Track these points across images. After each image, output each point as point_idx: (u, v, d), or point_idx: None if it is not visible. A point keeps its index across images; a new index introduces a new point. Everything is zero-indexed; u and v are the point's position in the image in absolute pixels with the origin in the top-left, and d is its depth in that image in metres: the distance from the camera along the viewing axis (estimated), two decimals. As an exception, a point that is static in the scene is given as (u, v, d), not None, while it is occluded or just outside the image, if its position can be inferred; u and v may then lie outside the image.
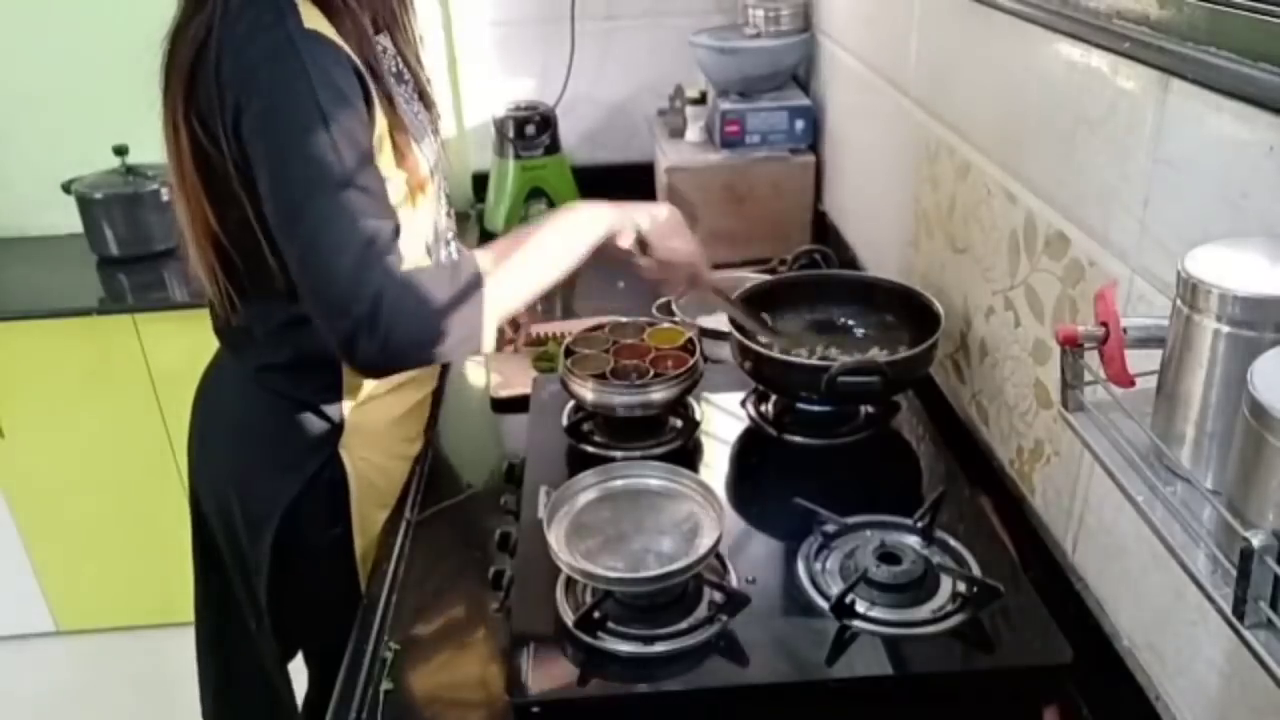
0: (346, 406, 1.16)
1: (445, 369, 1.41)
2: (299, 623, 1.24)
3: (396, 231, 0.97)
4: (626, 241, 1.12)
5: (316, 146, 0.92)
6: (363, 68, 0.99)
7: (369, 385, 1.17)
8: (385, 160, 1.02)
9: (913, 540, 0.96)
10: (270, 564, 1.16)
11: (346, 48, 0.98)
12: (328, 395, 1.15)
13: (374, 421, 1.19)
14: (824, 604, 0.89)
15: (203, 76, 0.96)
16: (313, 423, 1.15)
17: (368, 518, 1.19)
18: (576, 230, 1.09)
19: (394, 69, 1.12)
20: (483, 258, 1.02)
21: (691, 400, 1.23)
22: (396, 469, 1.23)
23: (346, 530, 1.18)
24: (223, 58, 0.94)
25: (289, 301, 1.04)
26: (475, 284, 0.99)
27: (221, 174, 0.99)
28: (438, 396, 1.36)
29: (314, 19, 0.96)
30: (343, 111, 0.94)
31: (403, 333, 0.93)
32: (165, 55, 1.01)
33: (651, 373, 1.18)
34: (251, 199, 0.99)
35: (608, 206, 1.12)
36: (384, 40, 1.12)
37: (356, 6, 1.01)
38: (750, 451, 1.19)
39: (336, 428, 1.15)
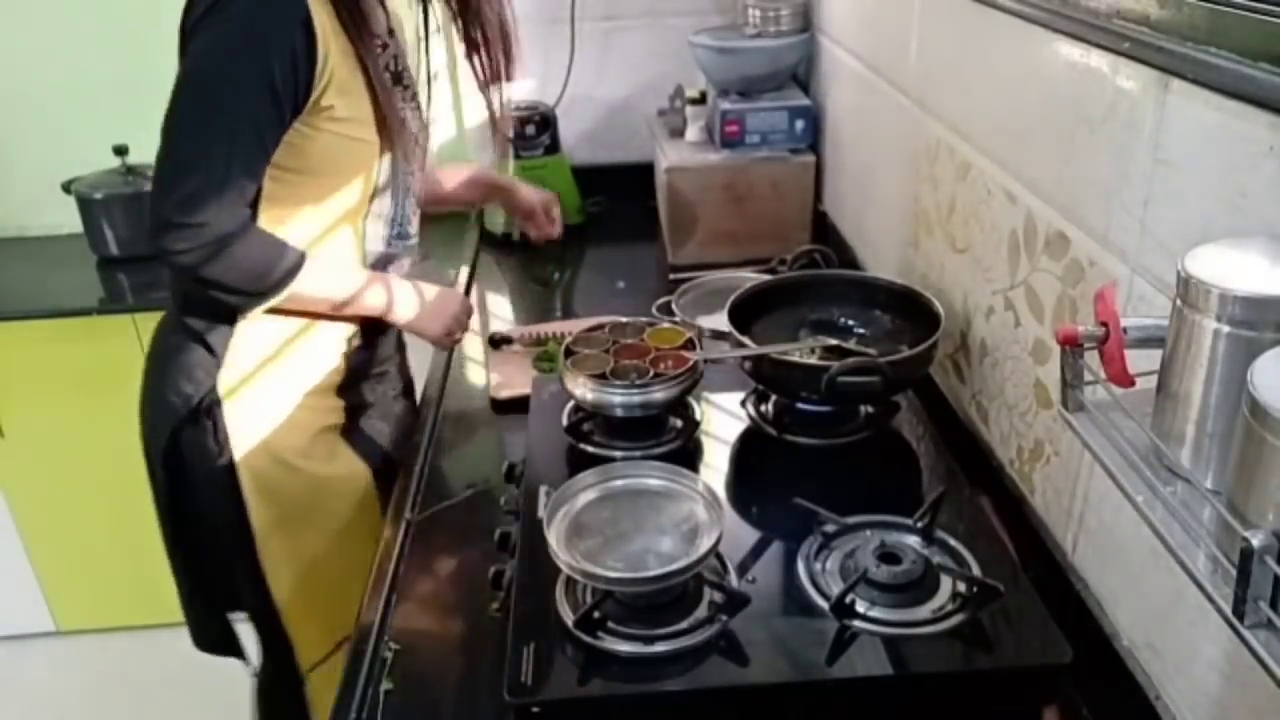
0: (229, 341, 1.22)
1: (401, 352, 1.50)
2: (193, 549, 1.33)
3: (252, 177, 1.10)
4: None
5: (213, 79, 1.06)
6: (322, 29, 1.07)
7: (255, 335, 1.23)
8: (351, 106, 1.14)
9: (913, 540, 0.96)
10: (166, 485, 1.26)
11: (314, 7, 1.06)
12: (216, 333, 1.22)
13: (256, 366, 1.24)
14: (824, 604, 0.89)
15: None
16: (195, 351, 1.23)
17: (252, 457, 1.24)
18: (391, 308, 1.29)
19: (390, 66, 1.22)
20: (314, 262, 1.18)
21: (691, 400, 1.23)
22: (295, 419, 1.27)
23: (228, 466, 1.23)
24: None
25: None
26: (292, 261, 1.16)
27: None
28: (409, 390, 1.48)
29: None
30: (262, 60, 1.05)
31: (192, 249, 1.09)
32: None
33: (651, 373, 1.18)
34: None
35: (418, 314, 1.32)
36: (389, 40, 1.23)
37: None
38: (750, 451, 1.19)
39: (213, 362, 1.22)
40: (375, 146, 1.19)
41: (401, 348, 1.49)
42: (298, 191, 1.18)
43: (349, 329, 1.31)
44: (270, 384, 1.25)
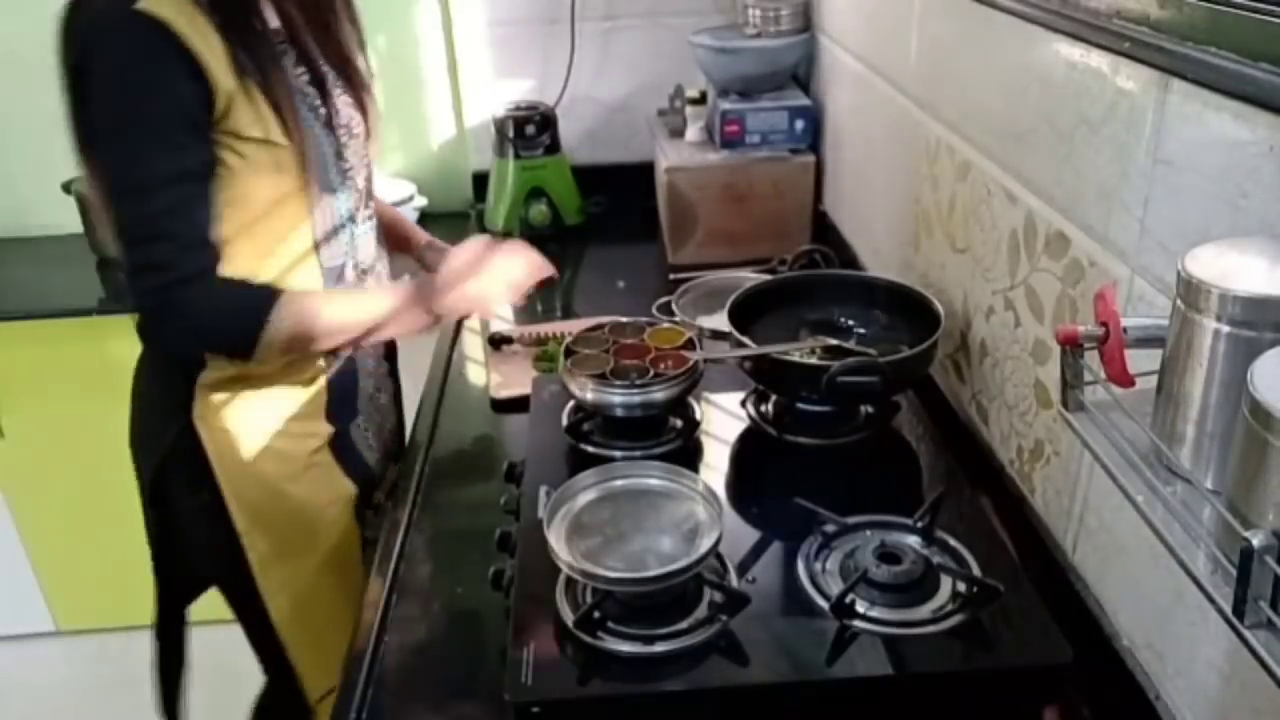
0: (202, 375, 1.18)
1: (391, 359, 1.44)
2: (182, 577, 1.32)
3: (169, 244, 1.05)
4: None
5: (117, 142, 1.04)
6: (201, 49, 1.01)
7: (219, 360, 1.20)
8: (240, 130, 1.06)
9: (913, 540, 0.96)
10: (154, 524, 1.26)
11: (186, 33, 1.00)
12: (183, 364, 1.19)
13: (233, 397, 1.20)
14: (824, 604, 0.89)
15: (70, 34, 1.06)
16: (171, 388, 1.19)
17: (241, 489, 1.21)
18: (394, 327, 1.21)
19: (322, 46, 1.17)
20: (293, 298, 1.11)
21: (691, 400, 1.23)
22: (280, 447, 1.23)
23: (214, 500, 1.20)
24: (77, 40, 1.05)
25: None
26: (262, 305, 1.09)
27: None
28: (398, 402, 1.43)
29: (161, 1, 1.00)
30: (146, 105, 1.01)
31: (171, 335, 1.11)
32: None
33: (651, 373, 1.18)
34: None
35: (423, 302, 1.21)
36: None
37: None
38: (750, 451, 1.19)
39: (188, 397, 1.18)
40: (291, 151, 1.10)
41: (391, 355, 1.43)
42: (241, 229, 1.11)
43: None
44: (252, 414, 1.21)
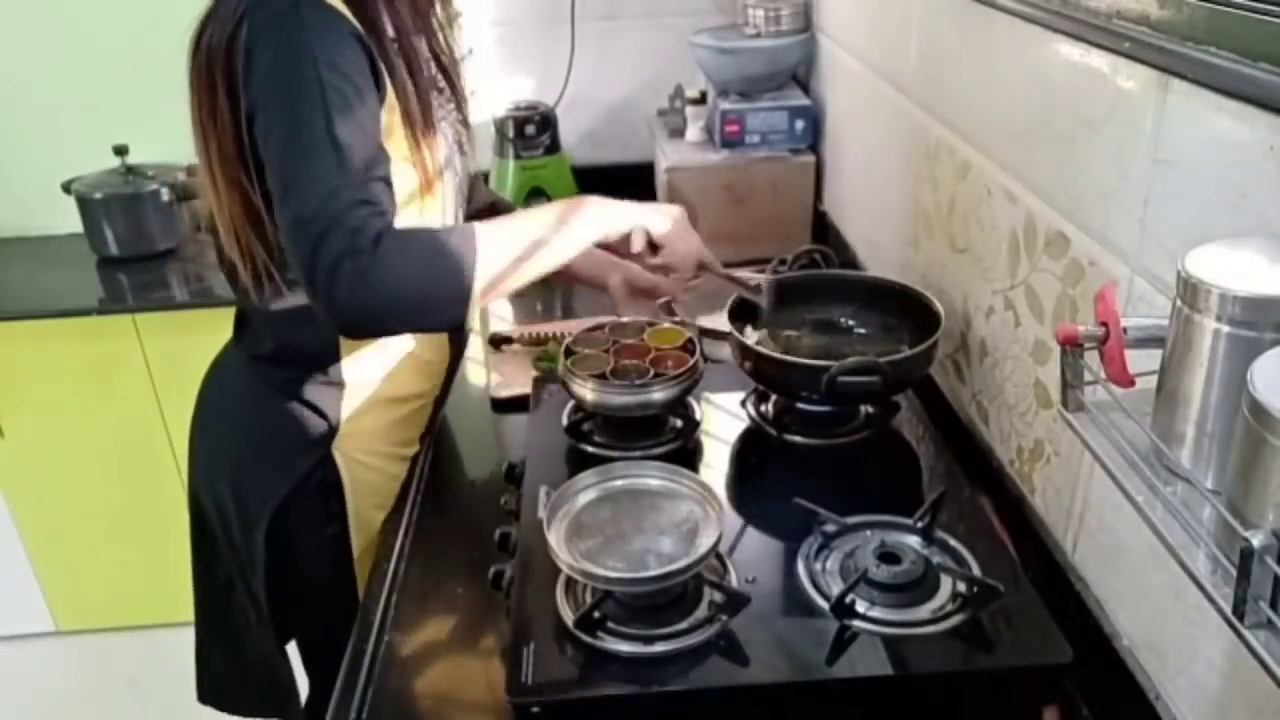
0: (344, 409, 1.16)
1: (451, 373, 1.33)
2: (296, 616, 1.25)
3: (387, 187, 0.95)
4: (639, 244, 1.10)
5: (306, 100, 0.92)
6: (374, 46, 0.98)
7: (366, 387, 1.17)
8: (395, 148, 1.01)
9: (913, 540, 0.96)
10: (265, 559, 1.17)
11: (357, 23, 0.97)
12: (324, 395, 1.15)
13: (371, 423, 1.18)
14: (824, 604, 0.89)
15: (236, 50, 0.96)
16: (307, 421, 1.15)
17: (364, 517, 1.19)
18: (587, 222, 1.06)
19: (432, 49, 1.11)
20: (483, 230, 0.99)
21: (691, 400, 1.23)
22: (394, 470, 1.22)
23: (342, 530, 1.18)
24: (248, 27, 0.95)
25: (290, 290, 1.07)
26: (468, 245, 0.96)
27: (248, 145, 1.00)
28: (440, 401, 1.33)
29: None
30: (344, 87, 0.93)
31: (383, 279, 0.90)
32: (194, 35, 1.01)
33: (651, 373, 1.18)
34: (258, 158, 0.98)
35: (619, 206, 1.09)
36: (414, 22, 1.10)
37: None
38: (750, 451, 1.19)
39: (331, 429, 1.15)
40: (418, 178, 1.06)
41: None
42: None
43: (437, 346, 1.21)
44: (381, 438, 1.19)
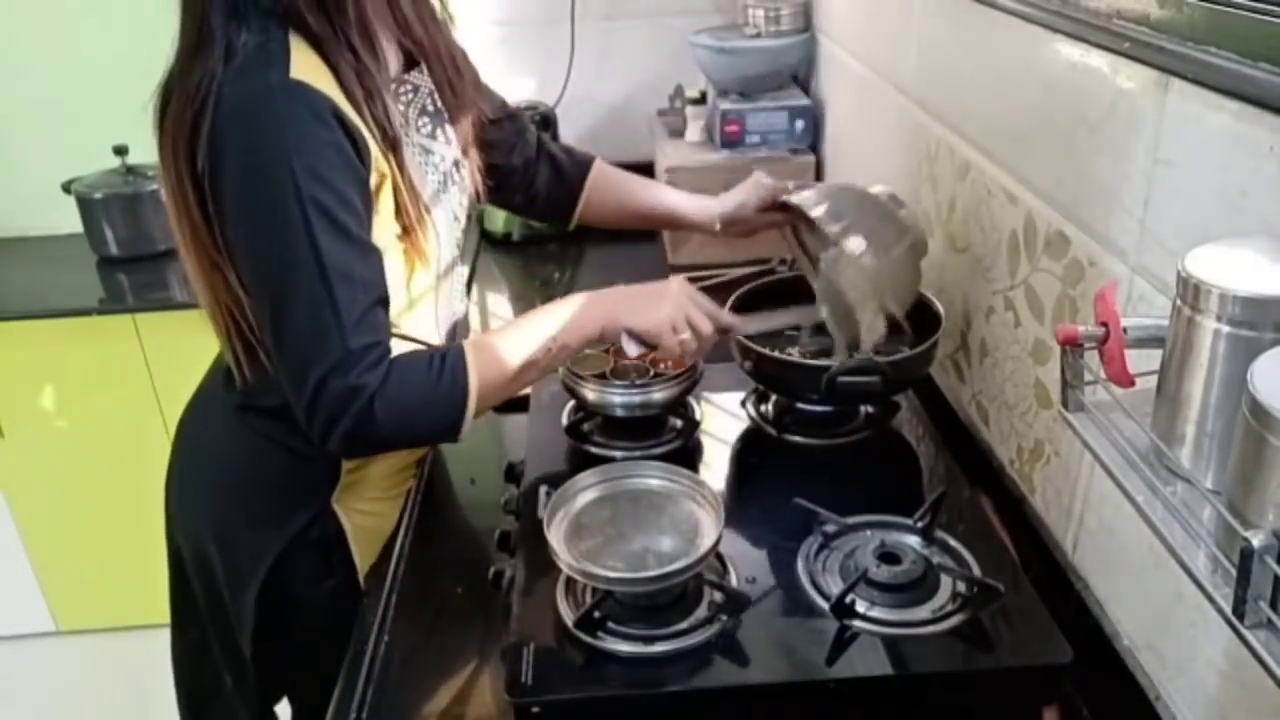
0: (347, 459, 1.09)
1: None
2: (289, 674, 1.18)
3: (383, 311, 0.93)
4: (632, 351, 1.07)
5: (287, 223, 0.87)
6: (358, 122, 0.92)
7: None
8: (383, 219, 0.98)
9: (913, 540, 0.96)
10: (255, 619, 1.10)
11: (338, 99, 0.91)
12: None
13: (375, 469, 1.14)
14: (824, 604, 0.89)
15: (199, 140, 0.89)
16: (304, 473, 1.08)
17: (367, 561, 1.13)
18: (573, 334, 1.03)
19: (427, 106, 1.07)
20: (474, 364, 0.97)
21: (691, 400, 1.23)
22: (392, 509, 1.17)
23: (341, 582, 1.11)
24: (217, 107, 0.88)
25: None
26: (460, 385, 0.96)
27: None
28: None
29: (306, 67, 0.90)
30: (328, 200, 0.88)
31: (378, 432, 0.92)
32: (158, 106, 0.94)
33: (651, 373, 1.18)
34: (233, 259, 0.94)
35: (608, 309, 1.05)
36: (415, 77, 1.05)
37: (361, 47, 0.93)
38: (750, 451, 1.19)
39: (331, 480, 1.09)
40: (417, 244, 1.02)
41: None
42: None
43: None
44: (384, 474, 1.14)
